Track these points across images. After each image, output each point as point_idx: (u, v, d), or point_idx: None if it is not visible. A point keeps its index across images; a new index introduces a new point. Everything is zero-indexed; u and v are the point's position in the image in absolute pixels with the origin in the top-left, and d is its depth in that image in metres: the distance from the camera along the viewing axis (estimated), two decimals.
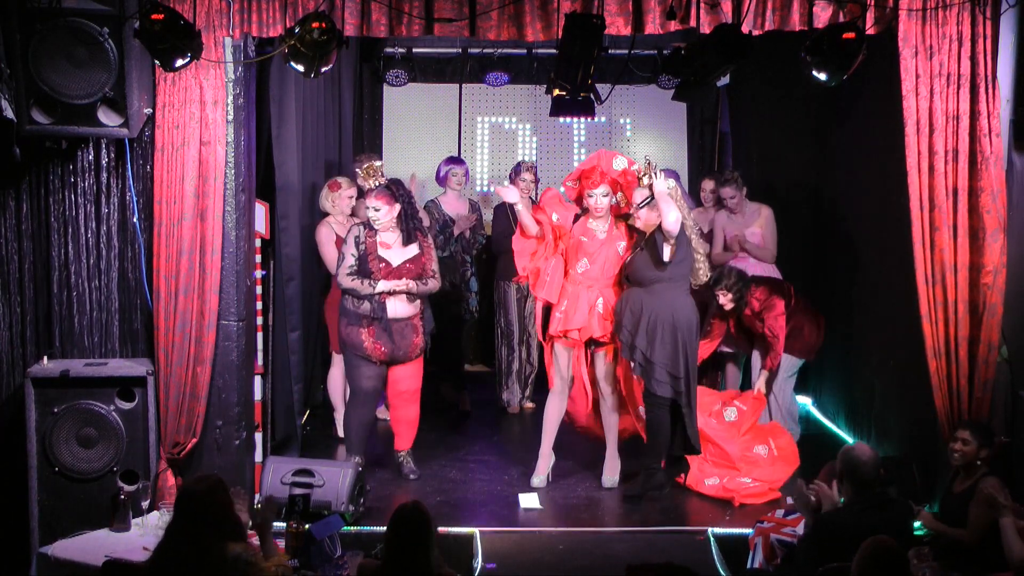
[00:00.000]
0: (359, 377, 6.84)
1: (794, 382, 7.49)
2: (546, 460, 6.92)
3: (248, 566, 4.37)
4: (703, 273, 6.64)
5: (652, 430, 6.60)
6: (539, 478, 6.88)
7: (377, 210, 6.67)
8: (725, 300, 7.17)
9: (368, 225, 6.76)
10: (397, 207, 6.71)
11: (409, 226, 6.76)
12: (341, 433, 7.41)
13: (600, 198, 6.61)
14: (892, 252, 6.69)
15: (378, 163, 7.01)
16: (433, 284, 6.85)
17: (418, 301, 6.84)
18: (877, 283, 7.12)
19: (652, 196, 6.38)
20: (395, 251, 6.75)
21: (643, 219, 6.52)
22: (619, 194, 6.72)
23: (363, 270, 6.68)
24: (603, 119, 9.96)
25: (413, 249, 6.78)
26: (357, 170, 7.03)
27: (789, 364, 7.35)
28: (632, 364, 6.53)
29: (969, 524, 5.15)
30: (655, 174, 6.38)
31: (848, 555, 4.20)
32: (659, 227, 6.39)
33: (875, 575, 4.07)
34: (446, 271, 8.30)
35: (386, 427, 7.93)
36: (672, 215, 6.28)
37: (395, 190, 6.76)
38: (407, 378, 6.92)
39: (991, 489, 4.96)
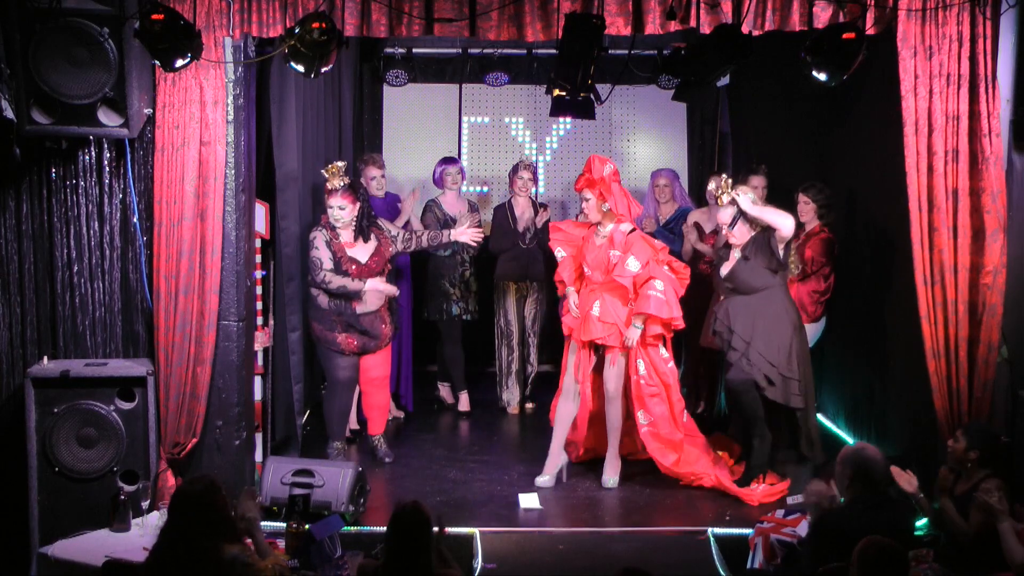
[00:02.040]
0: (334, 368, 7.14)
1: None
2: (554, 460, 6.90)
3: (245, 567, 4.35)
4: (795, 266, 6.71)
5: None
6: (544, 478, 6.86)
7: (343, 208, 6.97)
8: (806, 209, 7.28)
9: (328, 226, 7.01)
10: (358, 205, 7.03)
11: (363, 224, 7.08)
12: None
13: (583, 202, 6.78)
14: (892, 252, 6.69)
15: (341, 163, 7.14)
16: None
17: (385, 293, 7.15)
18: (877, 283, 7.12)
19: (740, 213, 6.45)
20: (359, 249, 7.07)
21: (737, 236, 6.59)
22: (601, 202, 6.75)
23: (338, 271, 6.97)
24: (603, 119, 9.95)
25: (372, 244, 7.10)
26: (322, 171, 7.10)
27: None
28: (754, 373, 6.53)
29: (971, 522, 5.15)
30: (737, 195, 6.43)
31: (849, 555, 4.20)
32: (764, 233, 6.47)
33: (874, 574, 4.07)
34: (446, 271, 8.33)
35: (396, 427, 7.96)
36: (785, 222, 6.40)
37: (356, 190, 7.09)
38: (378, 366, 7.26)
39: (985, 495, 4.96)
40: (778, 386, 6.52)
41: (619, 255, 6.67)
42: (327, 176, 6.98)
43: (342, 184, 6.97)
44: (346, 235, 7.03)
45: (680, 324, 6.77)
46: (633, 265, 6.63)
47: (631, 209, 6.79)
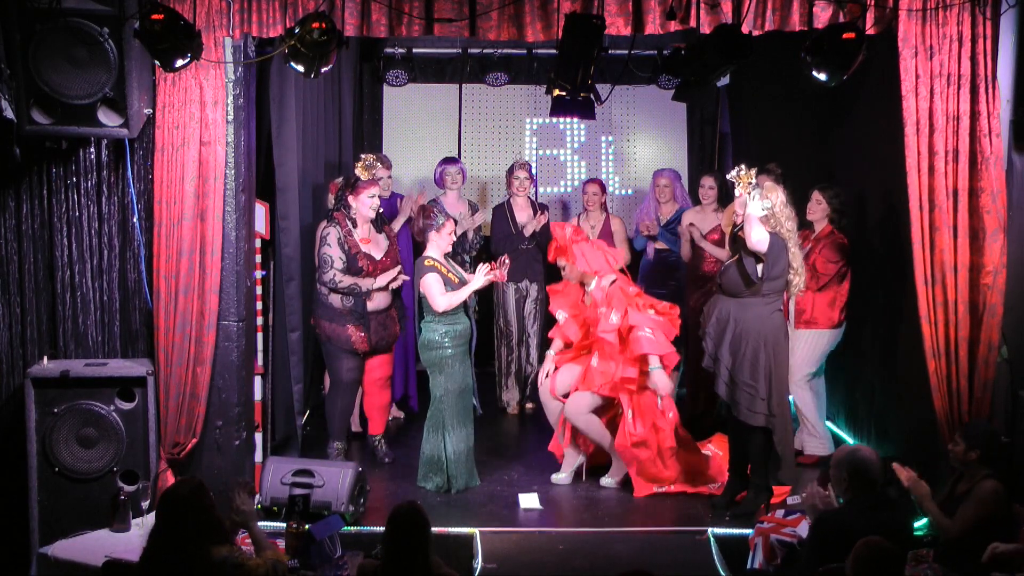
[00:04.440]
0: (341, 369, 7.11)
1: (823, 395, 7.35)
2: (572, 458, 6.90)
3: (236, 568, 4.32)
4: (795, 287, 6.31)
5: (738, 451, 6.47)
6: (560, 475, 6.88)
7: (375, 197, 7.01)
8: (817, 209, 7.14)
9: (342, 222, 6.97)
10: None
11: (377, 217, 7.13)
12: None
13: (561, 270, 6.95)
14: (892, 252, 6.69)
15: (371, 155, 7.28)
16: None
17: (391, 292, 7.14)
18: (877, 283, 7.12)
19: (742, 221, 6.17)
20: (374, 245, 7.06)
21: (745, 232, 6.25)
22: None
23: (352, 268, 6.92)
24: (603, 119, 9.95)
25: (383, 241, 7.12)
26: (356, 164, 7.15)
27: (812, 351, 7.20)
28: (716, 381, 6.33)
29: (955, 517, 5.17)
30: (750, 195, 6.10)
31: (848, 555, 4.20)
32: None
33: (869, 575, 4.08)
34: None
35: (396, 427, 7.95)
36: (755, 235, 6.06)
37: (378, 182, 7.15)
38: (380, 366, 7.25)
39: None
40: (741, 401, 6.22)
41: (604, 311, 6.64)
42: (362, 168, 7.05)
43: (375, 176, 7.06)
44: (362, 231, 7.00)
45: (675, 358, 6.69)
46: (614, 318, 6.59)
47: (607, 260, 6.76)
